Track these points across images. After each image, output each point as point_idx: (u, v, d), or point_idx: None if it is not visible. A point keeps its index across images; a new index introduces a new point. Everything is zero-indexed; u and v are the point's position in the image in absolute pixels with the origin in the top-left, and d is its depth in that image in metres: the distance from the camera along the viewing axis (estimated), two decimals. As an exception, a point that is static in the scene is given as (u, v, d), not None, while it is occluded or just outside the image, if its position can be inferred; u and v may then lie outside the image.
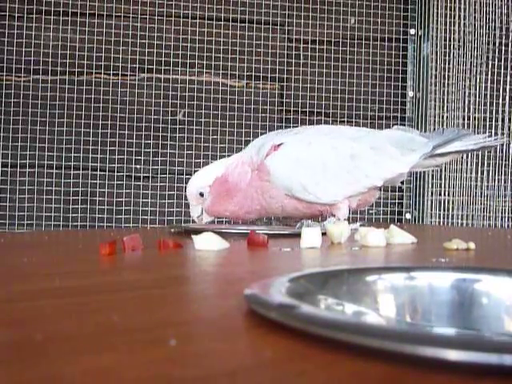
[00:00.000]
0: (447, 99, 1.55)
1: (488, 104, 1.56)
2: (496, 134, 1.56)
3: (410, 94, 1.56)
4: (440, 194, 1.54)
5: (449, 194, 1.54)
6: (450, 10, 1.55)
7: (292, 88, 1.53)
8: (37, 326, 0.25)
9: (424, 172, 1.50)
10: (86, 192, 1.43)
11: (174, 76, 1.48)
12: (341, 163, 0.92)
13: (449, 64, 1.55)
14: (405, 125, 1.56)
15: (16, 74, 1.42)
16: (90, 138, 1.44)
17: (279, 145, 0.92)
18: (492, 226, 1.54)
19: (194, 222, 0.96)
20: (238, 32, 1.50)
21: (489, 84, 1.56)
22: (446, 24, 1.55)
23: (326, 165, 0.91)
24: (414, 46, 1.57)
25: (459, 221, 1.54)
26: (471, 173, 1.54)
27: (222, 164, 0.93)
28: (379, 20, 1.57)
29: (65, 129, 1.43)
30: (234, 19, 1.50)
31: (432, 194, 1.54)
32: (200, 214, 0.93)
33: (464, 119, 1.55)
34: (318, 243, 0.62)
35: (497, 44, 1.57)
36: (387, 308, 0.32)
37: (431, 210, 1.54)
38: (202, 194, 0.91)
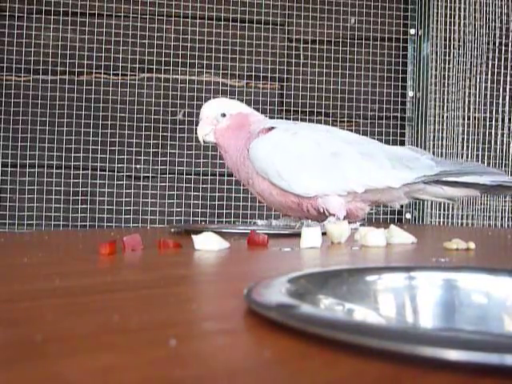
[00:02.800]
0: (447, 99, 1.55)
1: (488, 104, 1.56)
2: (496, 134, 1.56)
3: (410, 93, 1.56)
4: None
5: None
6: (450, 9, 1.55)
7: (292, 88, 1.53)
8: (37, 326, 0.25)
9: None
10: (87, 192, 1.43)
11: (174, 76, 1.48)
12: (319, 158, 0.91)
13: (449, 64, 1.55)
14: (405, 125, 1.56)
15: (16, 73, 1.42)
16: (91, 138, 1.44)
17: (269, 129, 0.93)
18: (492, 225, 1.54)
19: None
20: (238, 32, 1.50)
21: (489, 84, 1.56)
22: (446, 24, 1.55)
23: (304, 156, 0.92)
24: (414, 46, 1.57)
25: (459, 221, 1.54)
26: (471, 173, 1.54)
27: (249, 109, 1.00)
28: (379, 20, 1.57)
29: (65, 129, 1.43)
30: (234, 19, 1.50)
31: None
32: (208, 133, 0.97)
33: (464, 119, 1.55)
34: (318, 243, 0.62)
35: (497, 44, 1.57)
36: (387, 308, 0.32)
37: (431, 210, 1.54)
38: (224, 115, 0.96)
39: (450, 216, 1.54)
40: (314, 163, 0.91)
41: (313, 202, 0.92)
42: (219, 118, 0.96)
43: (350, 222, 0.83)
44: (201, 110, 0.98)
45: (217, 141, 0.97)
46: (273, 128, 0.94)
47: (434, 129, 1.54)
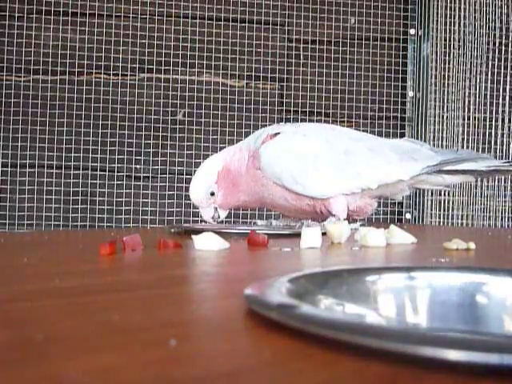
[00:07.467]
0: (447, 99, 1.55)
1: (488, 104, 1.56)
2: (496, 134, 1.56)
3: (410, 93, 1.56)
4: (440, 194, 1.54)
5: (449, 194, 1.54)
6: (450, 10, 1.55)
7: (292, 88, 1.53)
8: (37, 326, 0.25)
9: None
10: (86, 192, 1.43)
11: (174, 76, 1.48)
12: (333, 158, 0.91)
13: (449, 64, 1.55)
14: (405, 125, 1.56)
15: (16, 73, 1.42)
16: (90, 138, 1.44)
17: (275, 134, 0.92)
18: (492, 225, 1.54)
19: (203, 221, 0.95)
20: (238, 32, 1.50)
21: (489, 84, 1.56)
22: (446, 24, 1.55)
23: (318, 157, 0.91)
24: (414, 46, 1.57)
25: (459, 221, 1.54)
26: (471, 173, 1.54)
27: (218, 158, 0.92)
28: (379, 20, 1.57)
29: (65, 129, 1.43)
30: (234, 19, 1.50)
31: (432, 193, 1.54)
32: (213, 214, 0.91)
33: (464, 119, 1.55)
34: (318, 243, 0.62)
35: (497, 44, 1.57)
36: (387, 308, 0.32)
37: (431, 210, 1.54)
38: (212, 193, 0.89)
39: (450, 216, 1.54)
40: (329, 164, 0.91)
41: (326, 203, 0.92)
42: (211, 198, 0.90)
43: (352, 221, 0.84)
44: (191, 197, 0.91)
45: (228, 207, 0.92)
46: (277, 134, 0.93)
47: (434, 129, 1.54)
